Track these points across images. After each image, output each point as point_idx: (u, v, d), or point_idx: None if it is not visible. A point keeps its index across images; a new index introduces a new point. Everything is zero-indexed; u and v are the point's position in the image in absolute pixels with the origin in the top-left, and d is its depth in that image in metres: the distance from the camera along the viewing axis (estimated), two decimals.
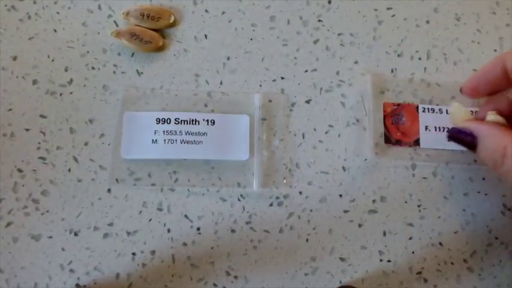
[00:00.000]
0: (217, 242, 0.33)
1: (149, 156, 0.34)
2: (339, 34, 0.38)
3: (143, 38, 0.35)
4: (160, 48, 0.36)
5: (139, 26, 0.36)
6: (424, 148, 0.35)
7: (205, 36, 0.37)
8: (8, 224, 0.33)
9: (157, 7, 0.37)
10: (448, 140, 0.32)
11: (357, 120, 0.36)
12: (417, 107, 0.36)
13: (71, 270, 0.32)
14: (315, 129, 0.36)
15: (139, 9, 0.36)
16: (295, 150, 0.35)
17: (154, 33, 0.36)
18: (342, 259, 0.34)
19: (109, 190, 0.34)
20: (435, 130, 0.35)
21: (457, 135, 0.31)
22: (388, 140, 0.35)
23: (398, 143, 0.35)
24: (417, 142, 0.35)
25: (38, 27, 0.36)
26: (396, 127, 0.35)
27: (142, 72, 0.36)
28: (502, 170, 0.27)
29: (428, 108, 0.36)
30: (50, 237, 0.33)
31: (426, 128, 0.35)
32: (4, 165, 0.34)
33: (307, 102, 0.36)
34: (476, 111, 0.34)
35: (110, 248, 0.33)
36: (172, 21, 0.37)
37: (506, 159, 0.26)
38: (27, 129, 0.34)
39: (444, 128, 0.35)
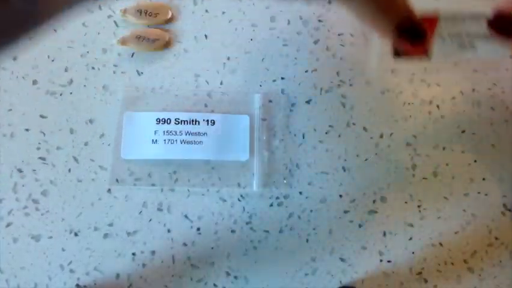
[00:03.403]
0: (217, 243, 0.33)
1: (149, 157, 0.34)
2: (339, 34, 0.38)
3: (149, 37, 0.36)
4: (168, 44, 0.36)
5: (137, 23, 0.36)
6: (424, 145, 0.35)
7: (205, 36, 0.37)
8: (8, 224, 0.33)
9: (154, 3, 0.37)
10: (491, 29, 0.28)
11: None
12: (436, 17, 0.31)
13: (71, 271, 0.32)
14: (315, 130, 0.36)
15: (136, 6, 0.36)
16: (296, 151, 0.35)
17: (157, 30, 0.36)
18: (342, 259, 0.34)
19: (109, 190, 0.34)
20: (449, 39, 0.30)
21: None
22: (396, 52, 0.31)
23: (407, 54, 0.31)
24: (426, 54, 0.31)
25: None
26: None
27: (142, 72, 0.36)
28: None
29: (445, 18, 0.30)
30: (50, 237, 0.33)
31: (440, 37, 0.31)
32: (4, 166, 0.34)
33: (308, 102, 0.36)
34: None
35: (110, 248, 0.33)
36: (170, 16, 0.37)
37: None
38: (27, 130, 0.34)
39: (457, 35, 0.30)
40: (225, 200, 0.34)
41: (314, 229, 0.34)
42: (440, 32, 0.31)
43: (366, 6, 0.28)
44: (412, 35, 0.30)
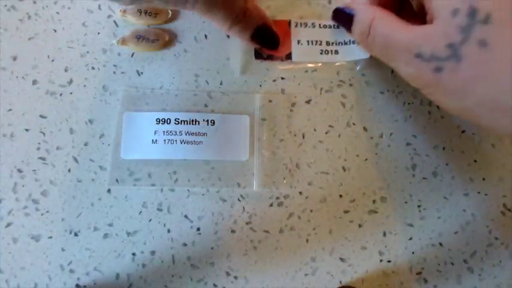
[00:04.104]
0: (217, 243, 0.33)
1: (149, 157, 0.34)
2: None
3: (149, 37, 0.35)
4: (167, 44, 0.36)
5: (137, 23, 0.36)
6: (424, 145, 0.35)
7: (205, 36, 0.37)
8: (8, 225, 0.33)
9: None
10: (332, 19, 0.35)
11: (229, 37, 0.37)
12: (289, 23, 0.36)
13: (71, 271, 0.32)
14: (315, 129, 0.36)
15: (136, 5, 0.36)
16: (296, 151, 0.35)
17: (157, 29, 0.36)
18: (342, 259, 0.34)
19: (108, 190, 0.34)
20: (308, 44, 0.36)
21: (339, 11, 0.34)
22: (259, 55, 0.36)
23: (270, 57, 0.36)
24: (289, 56, 0.36)
25: (38, 27, 0.36)
26: None
27: (142, 73, 0.36)
28: (368, 41, 0.30)
29: (300, 23, 0.36)
30: (50, 237, 0.33)
31: (298, 42, 0.36)
32: (4, 166, 0.34)
33: (308, 102, 0.36)
34: None
35: (110, 249, 0.33)
36: (169, 16, 0.36)
37: (371, 29, 0.30)
38: (27, 130, 0.34)
39: (317, 42, 0.36)
40: (225, 200, 0.34)
41: (314, 229, 0.34)
42: (299, 39, 0.36)
43: (223, 16, 0.31)
44: (268, 43, 0.35)
